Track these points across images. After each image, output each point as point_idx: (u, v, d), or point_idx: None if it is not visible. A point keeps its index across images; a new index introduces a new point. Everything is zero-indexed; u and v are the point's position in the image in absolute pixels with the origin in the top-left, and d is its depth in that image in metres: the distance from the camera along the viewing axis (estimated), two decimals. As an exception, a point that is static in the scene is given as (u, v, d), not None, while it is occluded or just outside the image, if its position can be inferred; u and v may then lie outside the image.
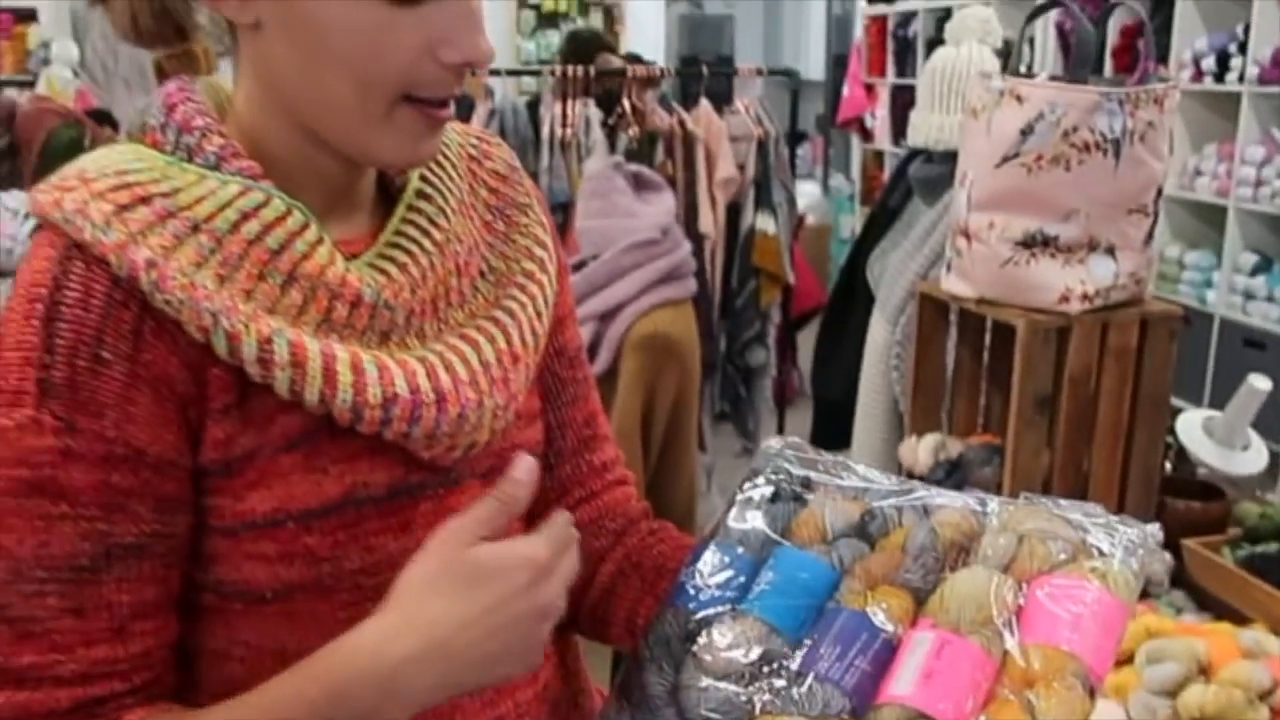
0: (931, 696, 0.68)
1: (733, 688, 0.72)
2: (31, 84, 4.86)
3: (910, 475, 1.96)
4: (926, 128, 2.07)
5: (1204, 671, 1.36)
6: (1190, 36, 3.86)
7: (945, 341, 1.89)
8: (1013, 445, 1.64)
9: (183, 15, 0.71)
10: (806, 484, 0.86)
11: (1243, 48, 3.71)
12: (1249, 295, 3.90)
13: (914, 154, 2.23)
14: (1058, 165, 1.46)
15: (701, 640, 0.75)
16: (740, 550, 0.80)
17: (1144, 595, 1.64)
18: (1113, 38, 3.73)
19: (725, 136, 3.36)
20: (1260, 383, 1.99)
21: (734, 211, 3.50)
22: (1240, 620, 1.54)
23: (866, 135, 6.21)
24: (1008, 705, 0.68)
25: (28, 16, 5.42)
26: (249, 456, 0.67)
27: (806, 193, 6.02)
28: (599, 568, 0.88)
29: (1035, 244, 1.53)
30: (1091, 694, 0.69)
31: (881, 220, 2.37)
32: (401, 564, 0.67)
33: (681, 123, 3.30)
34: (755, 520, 0.82)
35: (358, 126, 0.68)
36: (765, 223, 3.50)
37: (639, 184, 1.98)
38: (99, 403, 0.63)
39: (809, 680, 0.71)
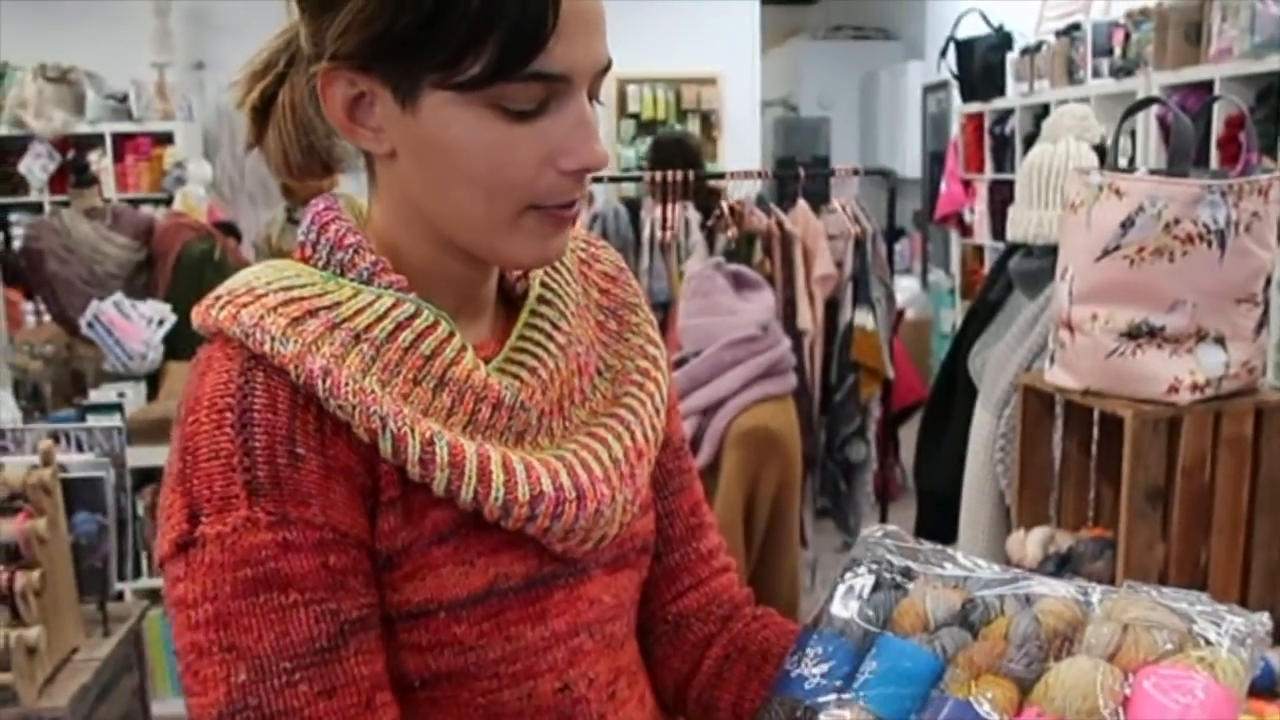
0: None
1: (842, 775, 0.72)
2: (168, 201, 5.19)
3: (1019, 566, 1.93)
4: (1025, 222, 2.09)
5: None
6: None
7: (1051, 434, 1.87)
8: (1125, 538, 1.61)
9: (326, 152, 0.78)
10: (907, 573, 0.86)
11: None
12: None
13: (1014, 248, 2.24)
14: (1161, 257, 1.47)
15: None
16: (843, 639, 0.81)
17: (1274, 695, 1.58)
18: (1218, 129, 3.69)
19: (823, 235, 3.41)
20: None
21: (833, 308, 3.54)
22: (1381, 725, 1.47)
23: (965, 230, 6.19)
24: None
25: (165, 139, 5.82)
26: (406, 550, 0.72)
27: (905, 288, 6.02)
28: (706, 653, 0.90)
29: (1141, 335, 1.53)
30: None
31: (983, 314, 2.38)
32: (538, 650, 0.71)
33: (779, 223, 3.37)
34: (857, 609, 0.83)
35: (487, 234, 0.73)
36: (864, 318, 3.52)
37: (739, 283, 2.03)
38: (303, 493, 0.67)
39: (917, 769, 0.71)
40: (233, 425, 0.67)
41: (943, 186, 6.43)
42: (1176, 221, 1.45)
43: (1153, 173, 1.53)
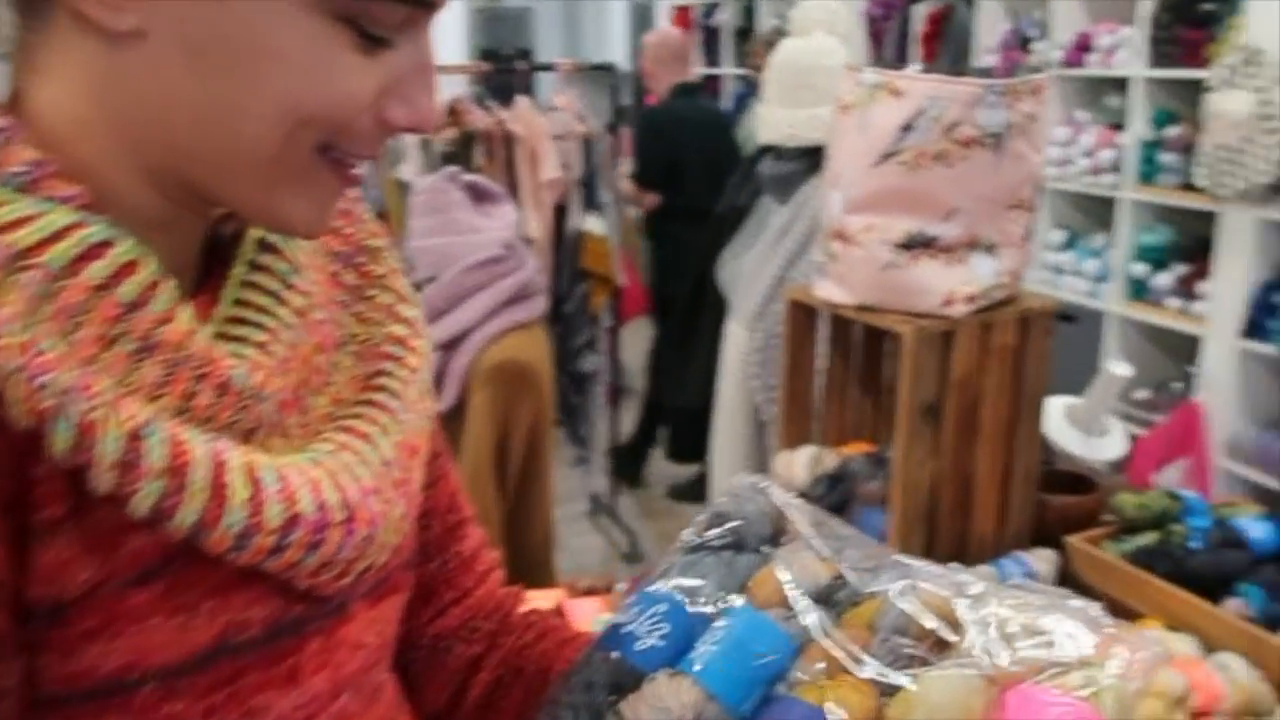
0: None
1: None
2: None
3: (788, 491, 1.87)
4: (776, 123, 1.97)
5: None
6: (994, 22, 3.97)
7: (814, 349, 1.80)
8: (901, 455, 1.55)
9: None
10: (772, 535, 0.73)
11: (1044, 31, 3.83)
12: (1059, 270, 4.06)
13: (763, 150, 2.13)
14: (940, 162, 1.38)
15: (631, 700, 0.63)
16: (687, 602, 0.68)
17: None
18: (921, 26, 3.79)
19: (548, 135, 3.20)
20: (1118, 369, 2.00)
21: (560, 213, 3.36)
22: (1129, 615, 1.52)
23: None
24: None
25: None
26: (89, 595, 0.48)
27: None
28: (473, 678, 0.74)
29: (916, 245, 1.45)
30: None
31: (731, 221, 2.27)
32: None
33: (501, 122, 3.11)
34: (709, 569, 0.70)
35: (267, 180, 0.51)
36: (593, 224, 3.36)
37: (477, 196, 1.79)
38: None
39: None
40: None
41: (653, 81, 6.34)
42: (957, 124, 1.36)
43: (925, 71, 1.42)
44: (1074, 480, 1.83)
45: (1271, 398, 3.52)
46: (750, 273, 1.99)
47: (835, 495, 1.70)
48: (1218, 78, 3.27)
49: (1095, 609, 0.70)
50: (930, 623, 0.67)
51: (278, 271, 0.57)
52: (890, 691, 0.63)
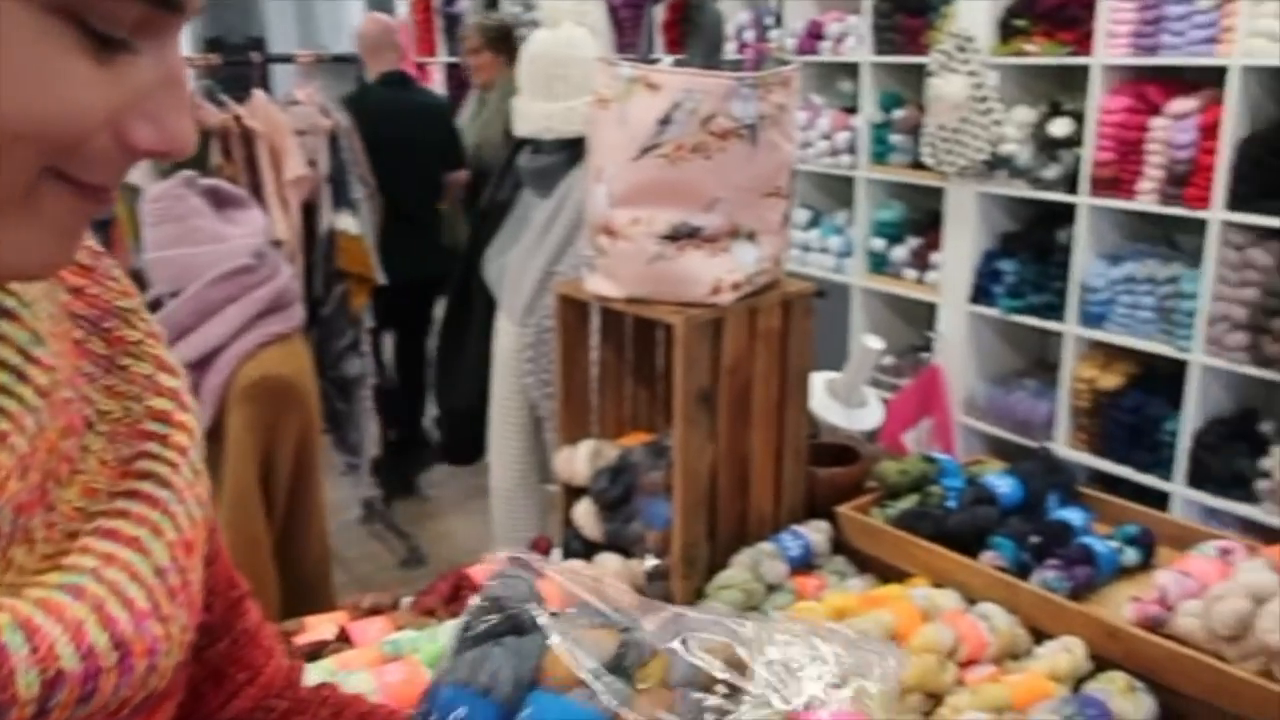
0: None
1: None
2: None
3: (571, 487, 1.86)
4: (533, 116, 1.94)
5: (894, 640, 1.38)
6: (733, 11, 4.10)
7: (587, 342, 1.79)
8: (680, 443, 1.57)
9: None
10: (539, 606, 0.71)
11: (779, 20, 4.00)
12: (806, 248, 4.26)
13: (520, 144, 2.10)
14: (699, 154, 1.40)
15: None
16: (487, 700, 0.64)
17: (810, 567, 1.67)
18: (664, 14, 3.86)
19: (289, 131, 3.03)
20: (872, 342, 2.11)
21: (309, 212, 3.19)
22: (899, 575, 1.61)
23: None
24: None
25: None
26: None
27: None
28: None
29: (682, 236, 1.46)
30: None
31: (493, 216, 2.23)
32: None
33: (238, 118, 2.92)
34: (498, 661, 0.67)
35: None
36: (346, 222, 3.22)
37: (219, 201, 1.66)
38: None
39: None
40: None
41: (398, 71, 6.15)
42: (712, 116, 1.38)
43: (677, 64, 1.43)
44: (839, 451, 1.92)
45: (998, 357, 3.84)
46: (517, 268, 1.96)
47: (617, 488, 1.71)
48: (935, 63, 3.52)
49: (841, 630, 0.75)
50: (720, 672, 0.69)
51: (16, 342, 0.47)
52: None
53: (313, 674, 1.17)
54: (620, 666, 0.67)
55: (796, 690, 0.67)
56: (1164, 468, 3.22)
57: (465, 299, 2.33)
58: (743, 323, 1.55)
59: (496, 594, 0.70)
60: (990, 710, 1.21)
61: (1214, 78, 2.94)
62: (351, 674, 1.29)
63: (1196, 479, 3.12)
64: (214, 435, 1.62)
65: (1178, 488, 3.18)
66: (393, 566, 3.78)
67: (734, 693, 0.68)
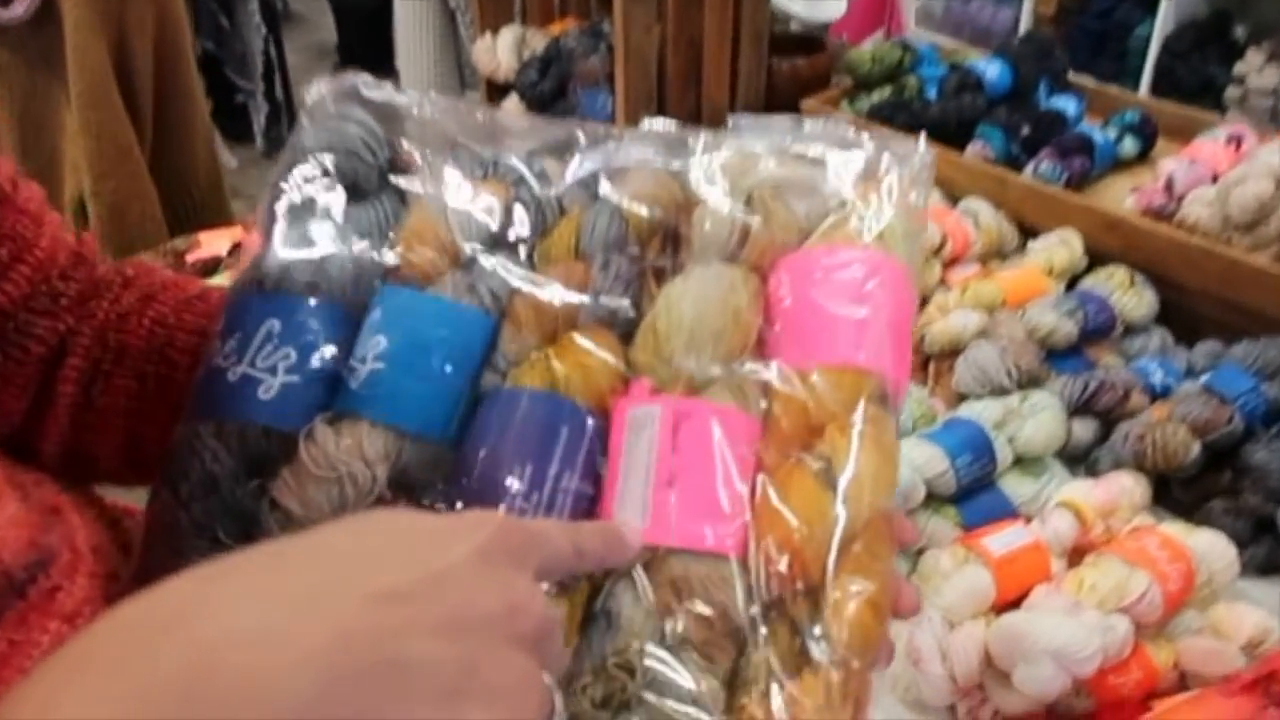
0: (684, 519, 0.40)
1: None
2: None
3: (493, 83, 1.61)
4: None
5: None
6: None
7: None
8: (621, 24, 1.33)
9: None
10: (392, 163, 0.49)
11: None
12: None
13: None
14: None
15: (285, 477, 0.41)
16: (313, 301, 0.44)
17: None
18: None
19: None
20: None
21: None
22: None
23: None
24: (795, 474, 0.41)
25: None
26: None
27: None
28: (58, 370, 0.48)
29: None
30: (896, 419, 0.44)
31: None
32: None
33: None
34: (329, 238, 0.45)
35: None
36: None
37: None
38: None
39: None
40: None
41: None
42: None
43: None
44: (800, 42, 1.69)
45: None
46: None
47: (549, 80, 1.47)
48: None
49: (836, 129, 0.53)
50: (650, 216, 0.47)
51: None
52: (628, 329, 0.45)
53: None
54: (508, 235, 0.47)
55: (765, 236, 0.46)
56: (1130, 78, 3.03)
57: None
58: None
59: (312, 143, 0.47)
60: (982, 308, 1.08)
61: None
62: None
63: (1161, 89, 2.95)
64: (43, 25, 1.32)
65: (1141, 97, 3.01)
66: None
67: (676, 246, 0.47)
